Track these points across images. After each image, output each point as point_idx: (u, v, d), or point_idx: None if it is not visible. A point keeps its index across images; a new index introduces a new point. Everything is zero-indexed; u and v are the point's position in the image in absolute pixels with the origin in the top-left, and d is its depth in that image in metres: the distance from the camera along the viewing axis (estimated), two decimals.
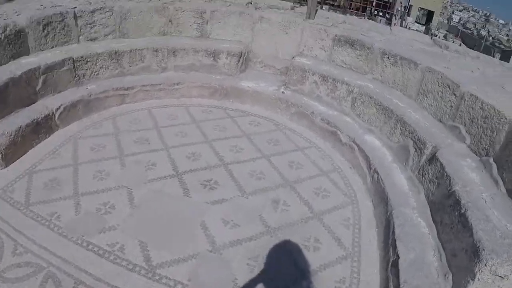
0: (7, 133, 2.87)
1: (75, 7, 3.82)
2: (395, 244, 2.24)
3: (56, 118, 3.36)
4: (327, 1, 7.37)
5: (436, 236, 2.30)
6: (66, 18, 3.70)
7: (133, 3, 4.27)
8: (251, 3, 4.93)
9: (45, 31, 3.54)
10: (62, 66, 3.50)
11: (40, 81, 3.31)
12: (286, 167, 3.32)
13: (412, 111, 3.29)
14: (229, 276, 2.23)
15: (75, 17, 3.78)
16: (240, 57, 4.37)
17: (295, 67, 4.19)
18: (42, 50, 3.53)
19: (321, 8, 6.41)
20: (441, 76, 3.14)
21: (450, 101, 3.02)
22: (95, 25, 3.96)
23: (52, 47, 3.64)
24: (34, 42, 3.46)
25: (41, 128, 3.21)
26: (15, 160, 2.97)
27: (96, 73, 3.83)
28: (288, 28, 4.32)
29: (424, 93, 3.34)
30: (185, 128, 3.74)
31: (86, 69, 3.73)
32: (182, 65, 4.34)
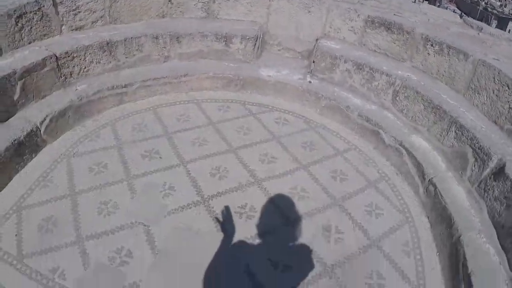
0: None
1: None
2: (470, 281, 1.98)
3: (42, 132, 2.72)
4: None
5: (507, 267, 2.05)
6: (43, 6, 2.91)
7: None
8: None
9: (19, 25, 2.79)
10: (44, 67, 2.79)
11: (18, 88, 2.63)
12: (329, 180, 2.80)
13: (465, 110, 2.84)
14: None
15: (55, 4, 3.00)
16: (256, 41, 3.68)
17: (322, 52, 3.54)
18: (17, 48, 2.80)
19: None
20: (498, 73, 2.67)
21: (508, 102, 2.59)
22: (79, 11, 3.18)
23: (30, 42, 2.90)
24: (6, 40, 2.73)
25: (25, 148, 2.59)
26: None
27: (85, 69, 3.12)
28: (310, 7, 3.60)
29: (475, 89, 2.87)
30: (202, 133, 3.12)
31: (73, 66, 3.03)
32: (188, 53, 3.63)
